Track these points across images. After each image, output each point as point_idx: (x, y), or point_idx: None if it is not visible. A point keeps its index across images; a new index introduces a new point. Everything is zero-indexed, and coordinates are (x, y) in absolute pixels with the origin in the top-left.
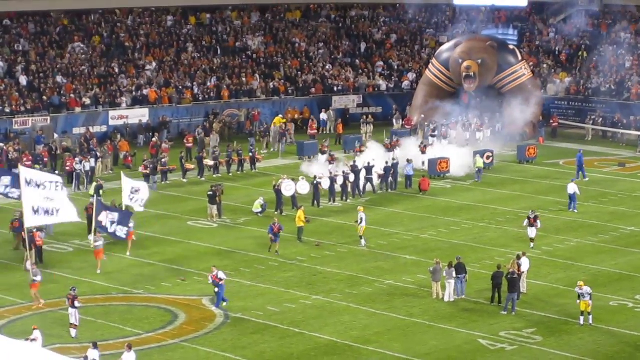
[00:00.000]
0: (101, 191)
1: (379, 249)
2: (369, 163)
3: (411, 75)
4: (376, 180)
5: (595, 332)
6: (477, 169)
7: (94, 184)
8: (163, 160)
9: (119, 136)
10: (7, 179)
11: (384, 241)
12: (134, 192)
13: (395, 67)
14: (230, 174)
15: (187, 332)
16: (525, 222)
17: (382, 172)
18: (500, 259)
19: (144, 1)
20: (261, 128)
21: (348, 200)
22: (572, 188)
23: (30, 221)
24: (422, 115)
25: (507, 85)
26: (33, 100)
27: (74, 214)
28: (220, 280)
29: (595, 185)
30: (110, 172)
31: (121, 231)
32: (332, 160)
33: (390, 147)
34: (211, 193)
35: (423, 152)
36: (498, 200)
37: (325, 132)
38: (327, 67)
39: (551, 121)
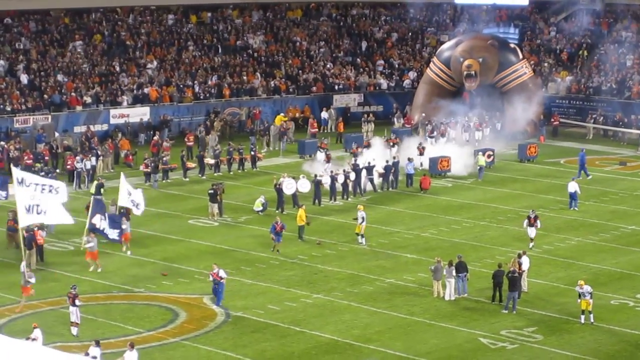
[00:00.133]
0: (102, 190)
1: (380, 247)
2: (369, 162)
3: (412, 74)
4: (377, 179)
5: (596, 330)
6: (478, 167)
7: (95, 182)
8: (164, 158)
9: (119, 135)
10: None
11: (385, 240)
12: (129, 194)
13: (396, 66)
14: (231, 173)
15: (188, 331)
16: (525, 222)
17: (382, 171)
18: (501, 257)
19: (145, 0)
20: (261, 127)
21: (349, 199)
22: (573, 187)
23: (25, 220)
24: (423, 114)
25: (508, 84)
26: (34, 99)
27: (67, 218)
28: (221, 278)
29: (596, 184)
30: (111, 170)
31: (113, 233)
32: (328, 159)
33: (392, 143)
34: (212, 191)
35: (421, 154)
36: (499, 198)
37: (326, 131)
38: (328, 65)
39: (552, 120)
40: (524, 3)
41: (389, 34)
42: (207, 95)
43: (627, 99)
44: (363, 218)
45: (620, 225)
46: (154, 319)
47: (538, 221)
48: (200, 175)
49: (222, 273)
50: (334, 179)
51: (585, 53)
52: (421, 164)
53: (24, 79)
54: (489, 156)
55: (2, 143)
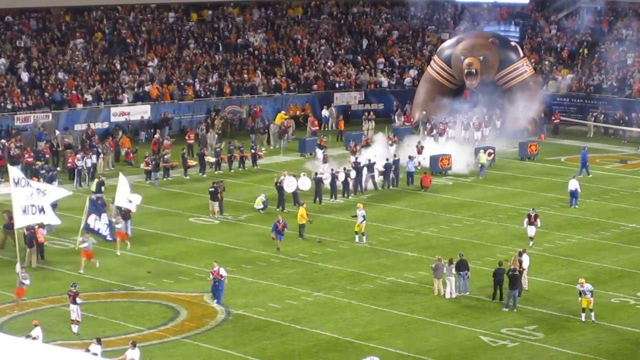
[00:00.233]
0: (103, 187)
1: (381, 245)
2: (369, 160)
3: (413, 72)
4: (377, 177)
5: (597, 329)
6: (480, 165)
7: (96, 180)
8: (165, 156)
9: (120, 133)
10: None
11: (386, 238)
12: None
13: (397, 64)
14: (232, 171)
15: (189, 329)
16: (525, 220)
17: (382, 169)
18: (502, 255)
19: None
20: (261, 125)
21: (350, 197)
22: (574, 185)
23: (21, 221)
24: (424, 113)
25: (509, 82)
26: (34, 97)
27: (54, 218)
28: (222, 276)
29: (597, 182)
30: (112, 168)
31: (110, 234)
32: (324, 159)
33: (390, 142)
34: (213, 190)
35: (419, 153)
36: (499, 197)
37: (326, 129)
38: (329, 63)
39: (553, 118)
40: (525, 1)
41: (389, 32)
42: (208, 93)
43: (628, 97)
44: (363, 217)
45: (621, 223)
46: (155, 317)
47: (538, 220)
48: (200, 174)
49: (222, 271)
50: (334, 177)
51: (586, 51)
52: (419, 164)
53: (24, 76)
54: (489, 154)
55: (3, 141)
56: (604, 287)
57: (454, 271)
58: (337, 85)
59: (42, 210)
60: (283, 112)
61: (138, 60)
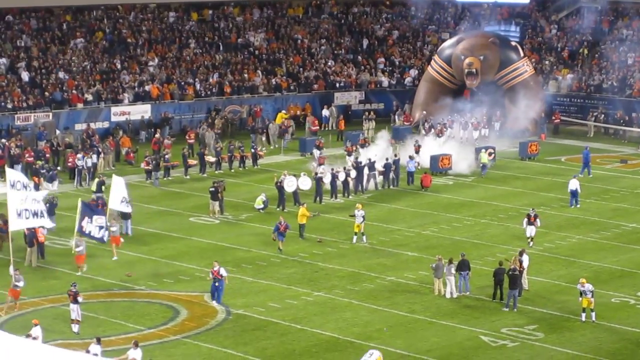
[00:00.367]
0: (103, 187)
1: (381, 245)
2: (370, 159)
3: (413, 72)
4: (377, 177)
5: (597, 328)
6: (481, 165)
7: (96, 180)
8: (166, 156)
9: (120, 132)
10: None
11: (386, 237)
12: (125, 200)
13: (397, 64)
14: (232, 170)
15: (189, 328)
16: (525, 220)
17: (382, 169)
18: (502, 255)
19: None
20: (261, 125)
21: (350, 197)
22: (574, 184)
23: (15, 225)
24: (424, 112)
25: (509, 81)
26: (35, 96)
27: (49, 223)
28: (222, 276)
29: (598, 182)
30: (112, 168)
31: (107, 236)
32: (320, 161)
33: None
34: (213, 189)
35: (416, 152)
36: (500, 196)
37: (327, 129)
38: (329, 63)
39: (553, 118)
40: (525, 1)
41: (390, 31)
42: (208, 92)
43: (629, 97)
44: (363, 217)
45: (621, 223)
46: (155, 317)
47: (538, 220)
48: (201, 173)
49: (222, 271)
50: (334, 176)
51: (586, 51)
52: (418, 163)
53: (25, 76)
54: (490, 154)
55: (3, 141)
56: (604, 287)
57: (453, 270)
58: (337, 85)
59: (35, 214)
60: (283, 111)
61: (138, 60)
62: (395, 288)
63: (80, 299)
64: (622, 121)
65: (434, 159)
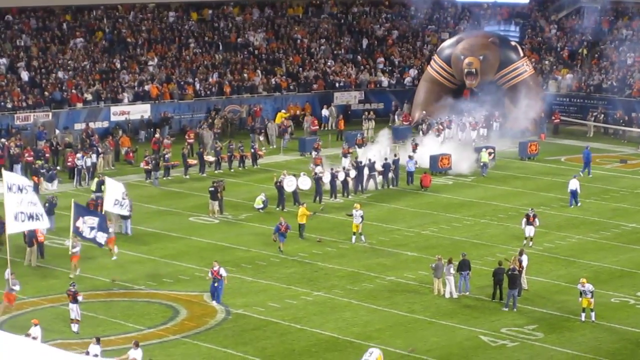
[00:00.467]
0: (102, 187)
1: (381, 245)
2: (369, 159)
3: (413, 72)
4: (377, 177)
5: (597, 328)
6: (482, 164)
7: (96, 179)
8: (166, 156)
9: (120, 132)
10: None
11: (386, 237)
12: (122, 199)
13: (397, 64)
14: (232, 170)
15: (189, 328)
16: (524, 220)
17: (381, 169)
18: (502, 255)
19: None
20: (260, 125)
21: (349, 197)
22: (574, 184)
23: (12, 228)
24: (424, 112)
25: (509, 81)
26: (34, 96)
27: (45, 224)
28: (221, 276)
29: (597, 182)
30: (112, 167)
31: (101, 237)
32: (316, 162)
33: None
34: (212, 189)
35: (413, 151)
36: (499, 196)
37: (326, 129)
38: (329, 63)
39: (553, 118)
40: (525, 1)
41: (389, 31)
42: (208, 92)
43: (628, 97)
44: (361, 217)
45: (621, 223)
46: (155, 317)
47: (537, 220)
48: (200, 173)
49: (222, 271)
50: (334, 176)
51: (586, 51)
52: (416, 162)
53: (24, 76)
54: (489, 154)
55: (3, 140)
56: (604, 287)
57: (452, 270)
58: (337, 84)
59: (31, 217)
60: (283, 111)
61: (138, 60)
62: (395, 288)
63: (80, 298)
64: (621, 121)
65: (434, 159)
